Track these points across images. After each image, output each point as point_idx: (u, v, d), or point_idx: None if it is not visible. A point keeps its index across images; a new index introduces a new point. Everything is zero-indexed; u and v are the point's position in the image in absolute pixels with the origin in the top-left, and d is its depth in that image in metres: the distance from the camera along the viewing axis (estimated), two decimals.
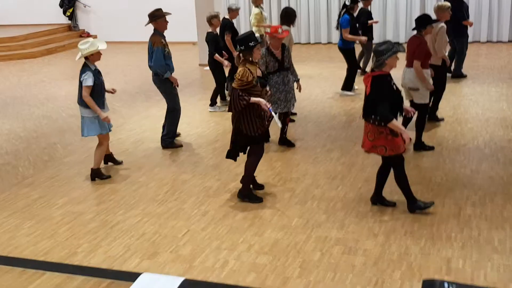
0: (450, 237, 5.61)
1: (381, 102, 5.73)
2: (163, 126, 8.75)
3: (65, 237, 6.09)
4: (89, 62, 7.27)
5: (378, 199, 6.33)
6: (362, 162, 7.69)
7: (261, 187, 6.96)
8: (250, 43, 6.29)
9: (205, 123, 9.93)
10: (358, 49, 12.09)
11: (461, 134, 8.53)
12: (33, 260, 5.62)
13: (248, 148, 6.60)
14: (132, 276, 5.09)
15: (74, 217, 6.54)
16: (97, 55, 7.29)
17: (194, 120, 10.07)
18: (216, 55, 10.16)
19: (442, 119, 9.12)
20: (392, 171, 6.09)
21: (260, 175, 7.33)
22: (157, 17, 8.34)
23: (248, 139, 6.47)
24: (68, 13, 19.80)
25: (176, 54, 9.78)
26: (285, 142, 8.41)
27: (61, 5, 19.80)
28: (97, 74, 7.30)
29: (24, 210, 6.82)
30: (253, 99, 6.27)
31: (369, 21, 11.98)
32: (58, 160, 8.46)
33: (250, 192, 6.69)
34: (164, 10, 8.44)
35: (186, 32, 11.74)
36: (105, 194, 7.14)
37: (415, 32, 7.79)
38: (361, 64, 12.52)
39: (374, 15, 16.54)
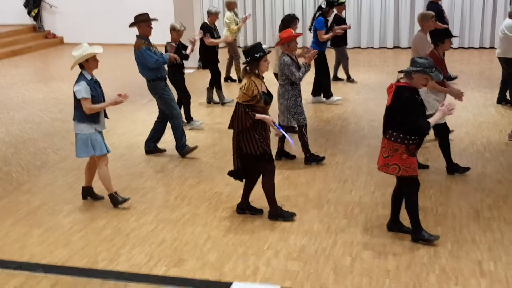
0: (475, 240, 5.67)
1: (407, 115, 5.26)
2: (151, 131, 8.55)
3: (81, 245, 5.86)
4: (85, 71, 6.41)
5: (395, 226, 5.83)
6: (369, 165, 7.70)
7: (259, 211, 6.39)
8: (256, 55, 5.91)
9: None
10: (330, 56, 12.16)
11: (459, 138, 8.64)
12: (114, 272, 5.36)
13: (256, 169, 6.19)
14: (223, 286, 4.99)
15: (85, 225, 6.31)
16: (93, 62, 6.40)
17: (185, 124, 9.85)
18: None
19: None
20: None
21: None
22: (139, 22, 8.03)
23: (250, 158, 6.07)
24: (33, 14, 19.20)
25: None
26: (314, 158, 7.77)
27: (25, 5, 19.18)
28: (93, 84, 6.42)
29: (28, 217, 6.54)
30: (258, 115, 5.91)
31: (336, 27, 11.77)
32: (53, 166, 8.16)
33: (280, 210, 6.23)
34: (141, 13, 8.19)
35: (165, 36, 11.30)
36: None
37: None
38: (336, 73, 12.64)
39: (348, 20, 16.72)
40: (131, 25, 8.14)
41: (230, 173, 6.35)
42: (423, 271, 5.17)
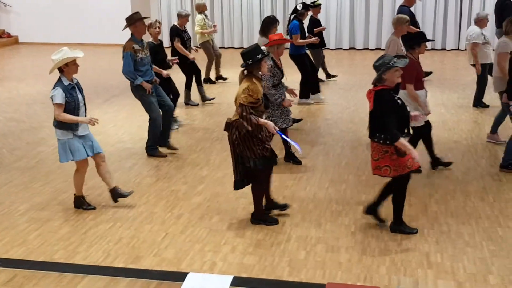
0: (423, 233, 5.91)
1: (387, 118, 5.51)
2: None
3: (37, 244, 5.87)
4: (63, 76, 6.29)
5: (373, 212, 6.08)
6: (324, 163, 7.91)
7: (284, 206, 6.42)
8: (257, 56, 5.79)
9: None
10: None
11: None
12: (72, 264, 5.45)
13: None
14: (179, 276, 5.05)
15: (41, 224, 6.31)
16: (72, 66, 6.27)
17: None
18: (154, 66, 8.64)
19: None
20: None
21: (226, 178, 7.37)
22: (136, 20, 7.97)
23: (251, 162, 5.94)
24: None
25: (111, 57, 9.48)
26: (291, 158, 7.95)
27: None
28: (70, 90, 6.29)
29: None
30: (262, 120, 5.80)
31: (315, 29, 12.01)
32: (8, 166, 8.10)
33: (265, 215, 6.21)
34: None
35: (123, 35, 11.17)
36: (68, 199, 6.92)
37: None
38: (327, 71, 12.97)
39: (332, 21, 17.05)
40: (126, 26, 8.03)
41: (236, 186, 6.18)
42: (373, 263, 5.37)
